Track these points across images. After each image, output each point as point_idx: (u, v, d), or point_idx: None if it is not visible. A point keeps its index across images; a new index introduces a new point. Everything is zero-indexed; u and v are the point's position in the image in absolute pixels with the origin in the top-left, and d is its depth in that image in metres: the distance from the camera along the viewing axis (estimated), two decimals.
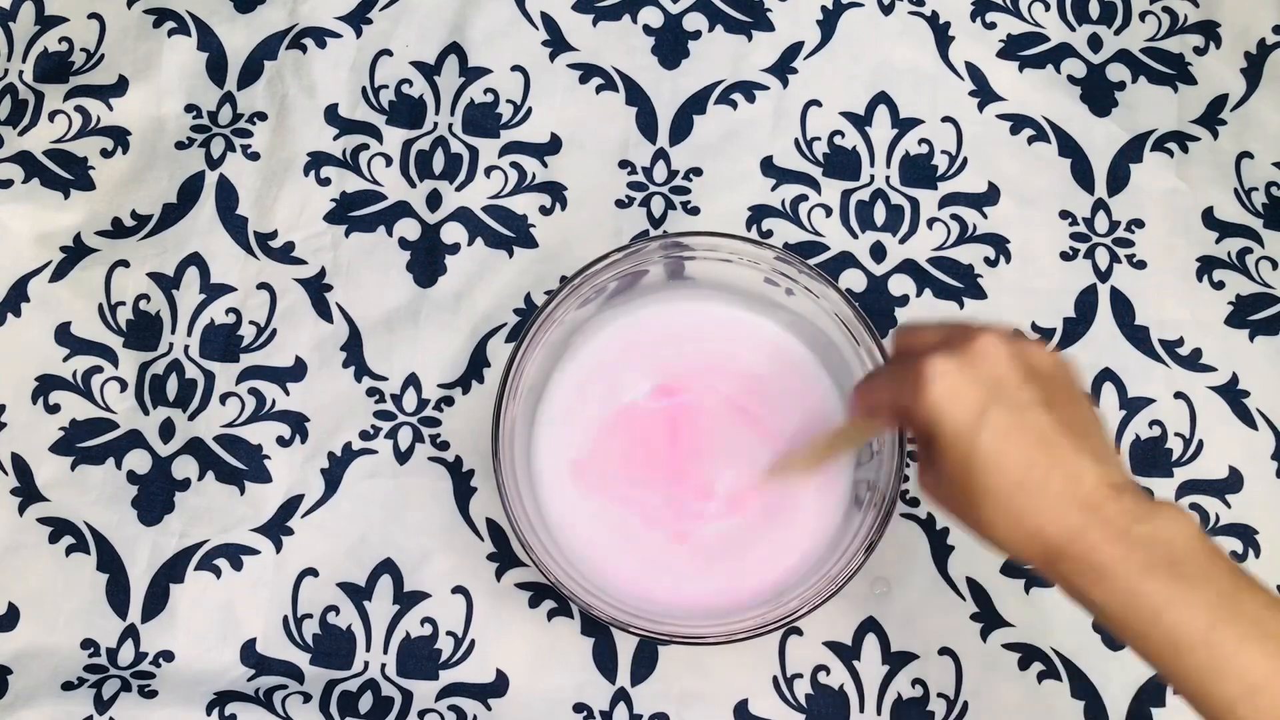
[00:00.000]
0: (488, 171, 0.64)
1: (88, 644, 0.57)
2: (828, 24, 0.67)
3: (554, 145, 0.65)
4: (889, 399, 0.43)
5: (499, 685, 0.57)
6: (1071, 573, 0.39)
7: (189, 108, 0.66)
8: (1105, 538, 0.38)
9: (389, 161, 0.65)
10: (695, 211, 0.64)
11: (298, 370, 0.61)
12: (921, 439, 0.43)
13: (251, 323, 0.62)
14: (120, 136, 0.65)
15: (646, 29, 0.67)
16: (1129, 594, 0.37)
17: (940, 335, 0.42)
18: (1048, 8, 0.68)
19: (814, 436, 0.54)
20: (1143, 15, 0.68)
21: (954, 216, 0.64)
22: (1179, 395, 0.61)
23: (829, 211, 0.64)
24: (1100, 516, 0.38)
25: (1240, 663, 0.36)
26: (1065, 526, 0.38)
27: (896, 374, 0.42)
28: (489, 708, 0.56)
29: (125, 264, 0.63)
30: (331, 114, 0.65)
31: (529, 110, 0.66)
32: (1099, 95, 0.66)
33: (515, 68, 0.66)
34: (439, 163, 0.65)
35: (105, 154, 0.65)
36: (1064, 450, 0.39)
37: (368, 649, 0.57)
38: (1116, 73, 0.67)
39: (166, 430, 0.60)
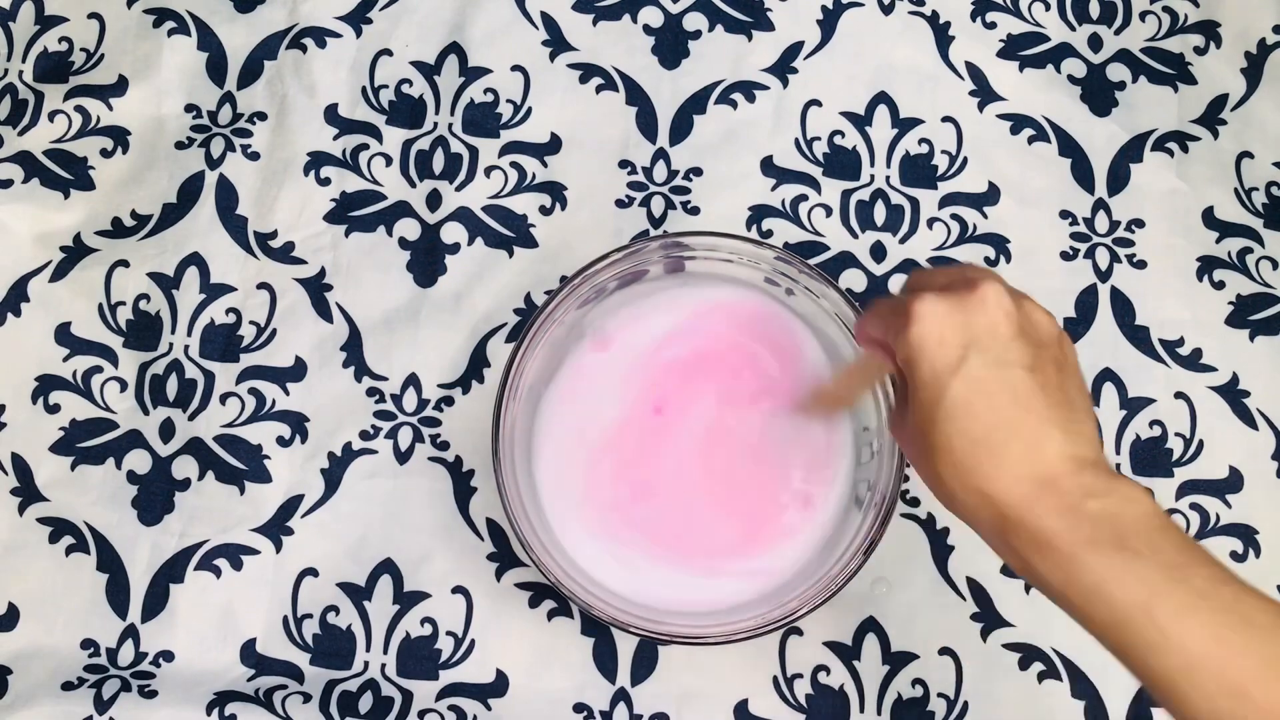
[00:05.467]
0: (488, 171, 0.64)
1: (88, 644, 0.57)
2: (828, 24, 0.67)
3: (554, 145, 0.65)
4: (879, 332, 0.42)
5: (499, 685, 0.57)
6: (1017, 543, 0.37)
7: (189, 108, 0.66)
8: (1053, 510, 0.36)
9: (389, 161, 0.65)
10: (695, 211, 0.64)
11: (298, 370, 0.61)
12: (901, 377, 0.41)
13: (251, 323, 0.62)
14: (120, 136, 0.65)
15: (646, 29, 0.67)
16: (1071, 568, 0.36)
17: (948, 278, 0.40)
18: (1048, 8, 0.68)
19: (834, 374, 0.53)
20: (1143, 15, 0.68)
21: (954, 216, 0.64)
22: (1179, 395, 0.61)
23: (829, 211, 0.64)
24: (1053, 489, 0.37)
25: (1180, 635, 0.35)
26: (1016, 494, 0.37)
27: (892, 308, 0.41)
28: (489, 708, 0.56)
29: (125, 264, 0.63)
30: (331, 114, 0.65)
31: (529, 110, 0.66)
32: (1099, 95, 0.66)
33: (515, 67, 0.66)
34: (439, 162, 0.65)
35: (105, 154, 0.65)
36: (1033, 416, 0.37)
37: (368, 649, 0.57)
38: (1117, 72, 0.67)
39: (166, 430, 0.60)
